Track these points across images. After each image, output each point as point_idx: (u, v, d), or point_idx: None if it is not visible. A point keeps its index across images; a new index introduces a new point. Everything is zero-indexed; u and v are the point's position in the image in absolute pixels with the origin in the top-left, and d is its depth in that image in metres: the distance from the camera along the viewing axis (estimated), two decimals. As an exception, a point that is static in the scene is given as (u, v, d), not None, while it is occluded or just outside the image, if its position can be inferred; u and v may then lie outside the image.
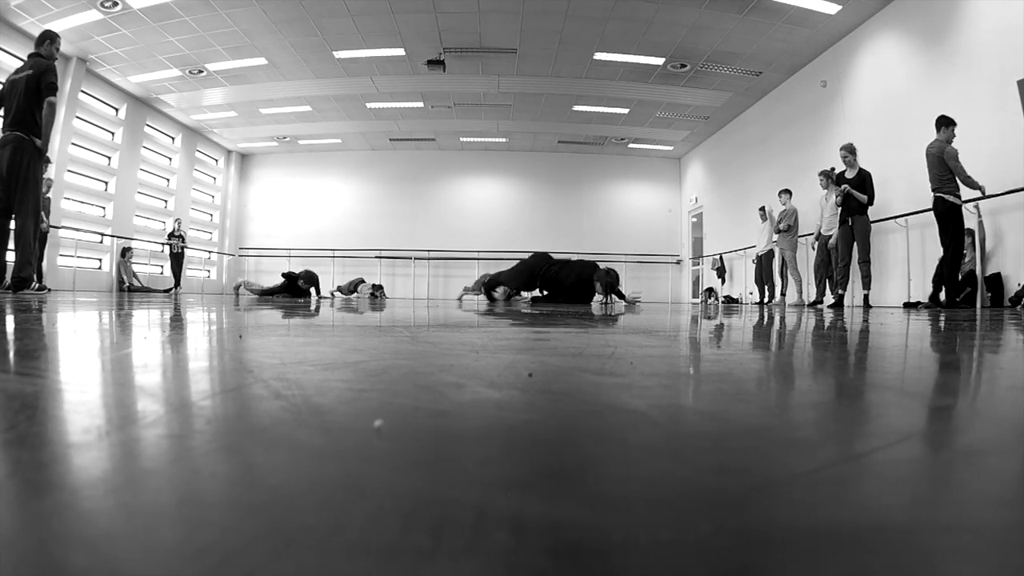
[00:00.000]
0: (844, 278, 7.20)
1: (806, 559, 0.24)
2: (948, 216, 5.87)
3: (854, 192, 6.96)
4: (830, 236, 7.58)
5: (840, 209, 7.15)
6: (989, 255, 6.26)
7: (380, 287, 11.09)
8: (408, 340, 1.41)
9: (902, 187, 7.48)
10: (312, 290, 9.26)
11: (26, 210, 4.63)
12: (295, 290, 9.11)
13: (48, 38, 4.85)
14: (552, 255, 7.23)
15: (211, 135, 14.53)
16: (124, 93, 11.58)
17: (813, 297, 8.14)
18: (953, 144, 5.89)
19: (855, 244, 7.10)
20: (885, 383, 0.83)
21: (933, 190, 5.95)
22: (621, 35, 9.06)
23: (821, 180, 8.03)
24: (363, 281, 10.95)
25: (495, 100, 12.06)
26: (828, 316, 3.79)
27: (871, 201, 6.99)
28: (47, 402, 0.57)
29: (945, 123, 5.97)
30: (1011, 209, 5.98)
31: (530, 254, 7.33)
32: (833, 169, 7.82)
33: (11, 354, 1.00)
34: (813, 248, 8.51)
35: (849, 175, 7.11)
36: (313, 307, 4.12)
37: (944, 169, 5.87)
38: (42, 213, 9.01)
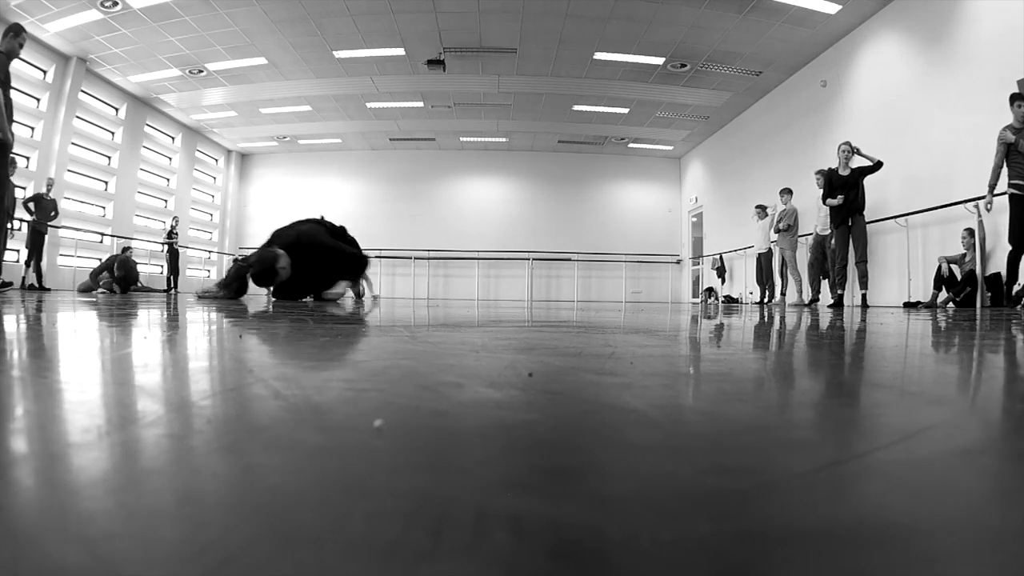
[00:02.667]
0: (843, 278, 7.20)
1: (806, 559, 0.24)
2: (1012, 206, 5.42)
3: (870, 157, 6.88)
4: (826, 235, 7.61)
5: (835, 209, 7.14)
6: (989, 255, 6.26)
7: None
8: (408, 340, 1.41)
9: (902, 187, 7.49)
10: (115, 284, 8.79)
11: None
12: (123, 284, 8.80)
13: (13, 31, 4.57)
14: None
15: (211, 135, 14.53)
16: (124, 93, 11.58)
17: (810, 297, 8.15)
18: (1011, 125, 5.38)
19: (852, 244, 7.10)
20: (885, 382, 0.83)
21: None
22: (621, 35, 9.06)
23: (818, 179, 8.02)
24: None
25: (495, 100, 12.05)
26: (827, 316, 3.79)
27: (877, 161, 6.85)
28: (47, 402, 0.57)
29: (1011, 99, 5.38)
30: (1011, 209, 5.97)
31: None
32: (830, 168, 7.83)
33: (11, 353, 1.00)
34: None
35: (843, 173, 7.11)
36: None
37: (1016, 156, 5.37)
38: (52, 213, 8.98)
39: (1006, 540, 0.27)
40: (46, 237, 9.01)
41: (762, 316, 3.79)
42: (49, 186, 9.06)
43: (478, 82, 11.09)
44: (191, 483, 0.33)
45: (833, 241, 7.44)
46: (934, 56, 7.07)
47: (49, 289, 8.98)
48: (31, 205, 8.65)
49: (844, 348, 1.48)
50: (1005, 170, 5.61)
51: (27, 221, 8.66)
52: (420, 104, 12.35)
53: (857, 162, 7.16)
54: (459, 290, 15.33)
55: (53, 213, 9.00)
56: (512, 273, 15.44)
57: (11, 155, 4.58)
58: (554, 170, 15.74)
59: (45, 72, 9.80)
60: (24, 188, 8.95)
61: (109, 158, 11.68)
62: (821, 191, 7.87)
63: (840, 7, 7.95)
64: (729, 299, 12.12)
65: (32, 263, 8.79)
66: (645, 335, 1.69)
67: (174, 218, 12.64)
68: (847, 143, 7.14)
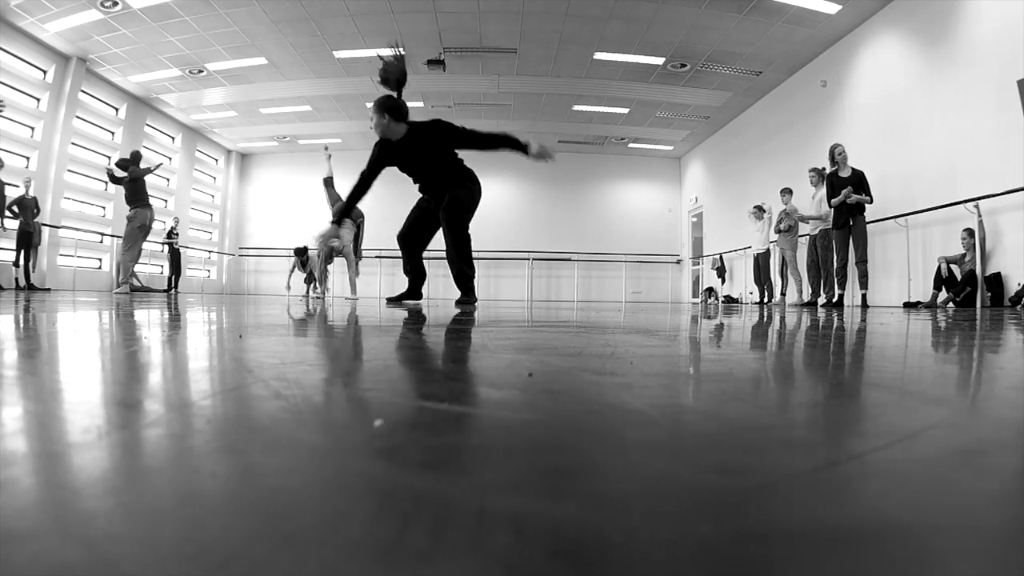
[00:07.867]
0: (843, 278, 7.20)
1: (806, 559, 0.24)
2: None
3: (861, 198, 6.90)
4: (815, 235, 7.64)
5: (837, 209, 7.12)
6: (989, 255, 6.26)
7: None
8: (409, 340, 1.41)
9: (902, 187, 7.48)
10: None
11: None
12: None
13: None
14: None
15: (211, 135, 14.53)
16: (124, 93, 11.58)
17: (808, 297, 8.14)
18: None
19: (852, 245, 7.09)
20: (885, 382, 0.83)
21: None
22: (621, 35, 9.06)
23: (812, 177, 8.02)
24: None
25: (495, 100, 12.05)
26: (827, 316, 3.78)
27: (871, 200, 6.95)
28: (47, 402, 0.56)
29: None
30: (1011, 209, 5.97)
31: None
32: (824, 168, 7.81)
33: (10, 353, 1.00)
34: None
35: (843, 174, 7.09)
36: None
37: None
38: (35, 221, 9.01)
39: (1006, 540, 0.27)
40: (34, 236, 9.03)
41: (762, 316, 3.79)
42: (27, 184, 9.01)
43: (478, 82, 11.09)
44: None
45: (818, 240, 7.52)
46: (934, 56, 7.07)
47: (49, 289, 8.99)
48: (15, 208, 8.69)
49: (844, 348, 1.48)
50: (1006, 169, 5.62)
51: (13, 218, 8.69)
52: (420, 104, 12.35)
53: (857, 163, 7.14)
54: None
55: (36, 210, 9.04)
56: (512, 273, 15.43)
57: None
58: (554, 170, 15.71)
59: (45, 72, 9.80)
60: (17, 186, 8.93)
61: (109, 158, 11.67)
62: (815, 189, 7.89)
63: (840, 7, 7.95)
64: (729, 299, 12.12)
65: (21, 263, 8.85)
66: (645, 335, 1.69)
67: (174, 218, 12.64)
68: (839, 147, 7.09)
